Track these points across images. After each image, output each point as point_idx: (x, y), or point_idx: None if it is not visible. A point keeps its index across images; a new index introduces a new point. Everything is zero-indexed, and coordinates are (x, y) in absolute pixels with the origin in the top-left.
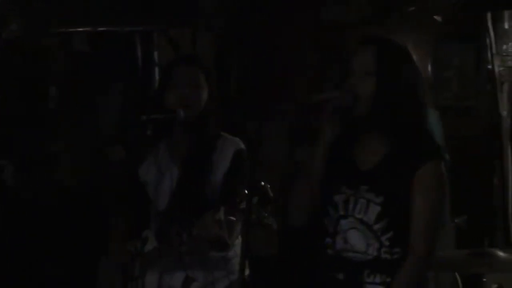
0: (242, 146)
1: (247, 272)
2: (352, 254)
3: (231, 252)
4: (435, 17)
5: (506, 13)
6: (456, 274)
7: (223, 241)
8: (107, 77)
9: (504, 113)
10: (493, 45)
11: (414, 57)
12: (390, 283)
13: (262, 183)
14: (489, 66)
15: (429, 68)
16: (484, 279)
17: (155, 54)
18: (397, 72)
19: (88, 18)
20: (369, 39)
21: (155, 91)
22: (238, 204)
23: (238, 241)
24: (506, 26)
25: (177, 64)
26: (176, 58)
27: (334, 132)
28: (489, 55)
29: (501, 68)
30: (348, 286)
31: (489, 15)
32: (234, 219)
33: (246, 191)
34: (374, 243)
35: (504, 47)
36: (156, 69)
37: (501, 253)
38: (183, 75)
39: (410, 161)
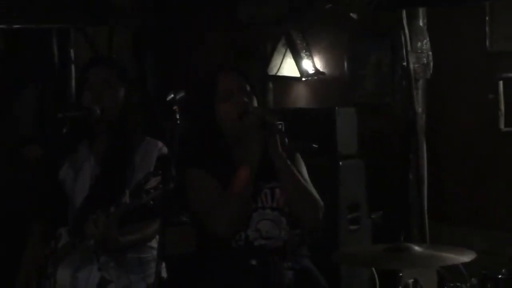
0: (165, 151)
1: (164, 273)
2: (264, 241)
3: (148, 254)
4: (351, 14)
5: (421, 11)
6: (373, 269)
7: (112, 240)
8: (22, 75)
9: (419, 109)
10: (408, 42)
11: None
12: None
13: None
14: (404, 63)
15: (345, 65)
16: (401, 274)
17: (72, 51)
18: None
19: (3, 16)
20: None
21: (74, 93)
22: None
23: (155, 244)
24: (421, 23)
25: (91, 66)
26: (91, 59)
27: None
28: (404, 52)
29: (416, 65)
30: (260, 270)
31: (404, 13)
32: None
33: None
34: (286, 226)
35: (419, 44)
36: (73, 67)
37: (417, 248)
38: (97, 76)
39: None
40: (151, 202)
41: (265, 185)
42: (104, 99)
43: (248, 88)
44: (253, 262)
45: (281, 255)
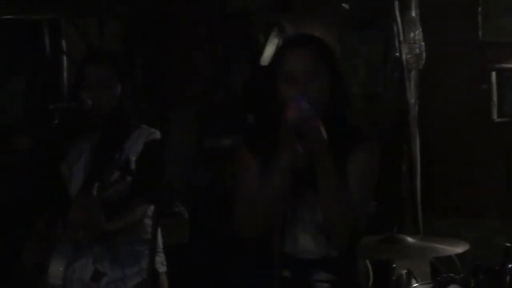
0: (156, 136)
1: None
2: (300, 253)
3: (143, 247)
4: (343, 5)
5: (413, 1)
6: (366, 260)
7: (96, 224)
8: (13, 65)
9: (412, 100)
10: (401, 33)
11: None
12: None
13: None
14: (397, 54)
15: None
16: (394, 265)
17: (63, 42)
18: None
19: None
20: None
21: (68, 89)
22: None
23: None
24: (413, 14)
25: (89, 63)
26: (88, 56)
27: (296, 153)
28: (396, 42)
29: (409, 56)
30: (294, 283)
31: (396, 3)
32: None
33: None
34: (324, 241)
35: (411, 35)
36: (64, 58)
37: (409, 239)
38: (95, 75)
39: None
40: (115, 196)
41: (308, 198)
42: (102, 98)
43: (316, 68)
44: (286, 273)
45: (319, 268)
